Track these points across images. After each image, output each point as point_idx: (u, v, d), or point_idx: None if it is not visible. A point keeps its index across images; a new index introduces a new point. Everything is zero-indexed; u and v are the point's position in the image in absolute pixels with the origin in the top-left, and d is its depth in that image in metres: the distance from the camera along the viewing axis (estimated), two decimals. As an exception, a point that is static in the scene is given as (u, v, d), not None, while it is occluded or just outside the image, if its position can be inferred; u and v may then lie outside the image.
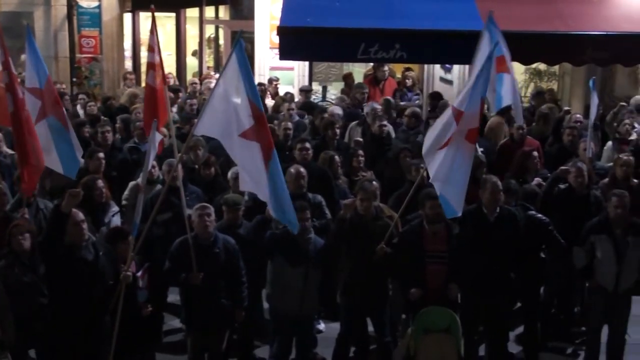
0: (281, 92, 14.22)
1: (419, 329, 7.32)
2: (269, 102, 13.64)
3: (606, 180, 9.40)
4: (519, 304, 8.69)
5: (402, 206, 7.71)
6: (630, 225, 7.73)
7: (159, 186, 8.84)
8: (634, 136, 10.99)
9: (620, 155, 9.64)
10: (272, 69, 15.70)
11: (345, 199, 8.75)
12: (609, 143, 11.20)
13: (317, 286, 7.67)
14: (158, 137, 7.53)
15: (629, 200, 7.80)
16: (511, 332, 8.41)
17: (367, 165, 10.04)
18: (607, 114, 12.56)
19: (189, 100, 12.58)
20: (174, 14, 19.06)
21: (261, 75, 15.76)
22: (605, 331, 8.07)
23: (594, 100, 9.77)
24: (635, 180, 9.22)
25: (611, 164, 10.03)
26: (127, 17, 18.39)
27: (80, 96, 13.59)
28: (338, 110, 11.93)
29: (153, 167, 8.81)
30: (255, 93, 6.59)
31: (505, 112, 11.93)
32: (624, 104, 12.81)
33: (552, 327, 8.90)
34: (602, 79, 15.12)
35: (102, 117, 11.99)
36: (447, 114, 7.19)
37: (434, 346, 7.30)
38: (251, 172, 6.70)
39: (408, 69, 14.95)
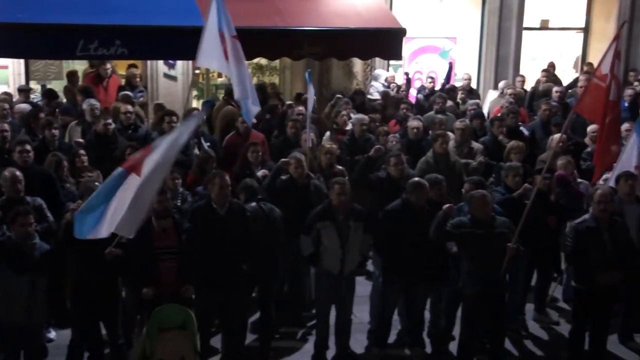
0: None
1: (153, 328, 7.24)
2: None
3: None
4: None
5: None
6: (351, 211, 8.14)
7: None
8: (349, 126, 11.61)
9: (323, 144, 10.18)
10: (-16, 67, 14.76)
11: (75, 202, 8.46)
12: (328, 133, 11.76)
13: (45, 293, 7.35)
14: None
15: (349, 187, 8.24)
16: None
17: (93, 165, 9.74)
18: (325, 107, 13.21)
19: None
20: None
21: (-28, 74, 14.76)
22: (333, 313, 8.45)
23: (311, 92, 10.21)
24: (340, 167, 9.78)
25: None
26: None
27: None
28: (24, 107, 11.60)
29: None
30: None
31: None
32: (340, 95, 13.51)
33: (284, 313, 9.17)
34: (319, 73, 15.85)
35: None
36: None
37: (170, 344, 7.25)
38: None
39: (132, 66, 14.70)
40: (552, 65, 16.86)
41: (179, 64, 15.07)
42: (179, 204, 8.70)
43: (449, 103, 13.79)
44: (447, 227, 7.78)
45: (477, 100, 14.03)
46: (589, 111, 8.61)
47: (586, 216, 8.16)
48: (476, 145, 11.06)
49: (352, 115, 11.99)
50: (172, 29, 11.03)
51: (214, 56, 8.48)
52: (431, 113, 12.86)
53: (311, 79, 10.44)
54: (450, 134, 10.99)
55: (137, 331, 8.20)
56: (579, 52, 18.61)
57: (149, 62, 15.30)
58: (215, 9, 8.34)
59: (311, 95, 10.30)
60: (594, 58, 15.94)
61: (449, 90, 14.67)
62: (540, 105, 13.08)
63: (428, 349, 8.62)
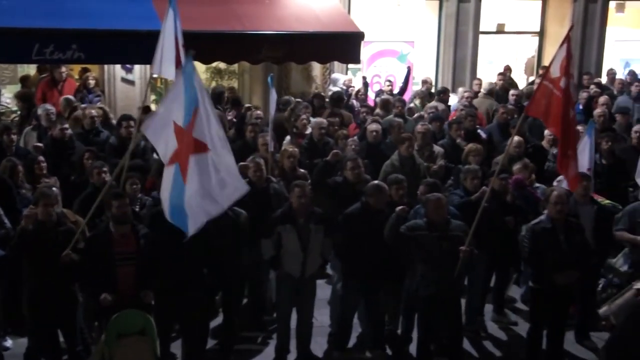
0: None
1: (112, 334, 7.17)
2: None
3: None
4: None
5: (90, 211, 7.52)
6: (311, 214, 8.16)
7: None
8: (309, 130, 11.63)
9: (285, 148, 10.18)
10: None
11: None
12: (288, 137, 11.76)
13: (0, 300, 7.26)
14: None
15: (310, 190, 8.25)
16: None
17: (50, 171, 9.62)
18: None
19: None
20: None
21: None
22: (294, 316, 8.45)
23: (273, 96, 10.20)
24: (303, 171, 9.79)
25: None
26: None
27: None
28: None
29: None
30: None
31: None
32: (299, 100, 13.52)
33: (246, 317, 9.15)
34: (278, 77, 15.83)
35: None
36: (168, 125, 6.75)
37: (130, 350, 7.20)
38: None
39: (87, 70, 14.57)
40: (508, 69, 17.11)
41: (137, 68, 14.95)
42: (137, 209, 8.62)
43: (442, 106, 13.83)
44: (401, 229, 7.83)
45: (436, 104, 14.12)
46: (551, 122, 8.47)
47: (542, 217, 8.25)
48: (437, 148, 11.12)
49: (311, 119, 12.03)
50: (129, 33, 10.92)
51: (171, 64, 8.37)
52: (390, 116, 12.92)
53: (273, 84, 10.43)
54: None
55: (95, 337, 8.12)
56: (534, 56, 18.90)
57: (106, 66, 15.18)
58: (172, 17, 8.26)
59: (273, 100, 10.30)
60: (549, 61, 16.18)
61: (439, 93, 14.74)
62: (497, 109, 13.22)
63: (388, 351, 8.66)
